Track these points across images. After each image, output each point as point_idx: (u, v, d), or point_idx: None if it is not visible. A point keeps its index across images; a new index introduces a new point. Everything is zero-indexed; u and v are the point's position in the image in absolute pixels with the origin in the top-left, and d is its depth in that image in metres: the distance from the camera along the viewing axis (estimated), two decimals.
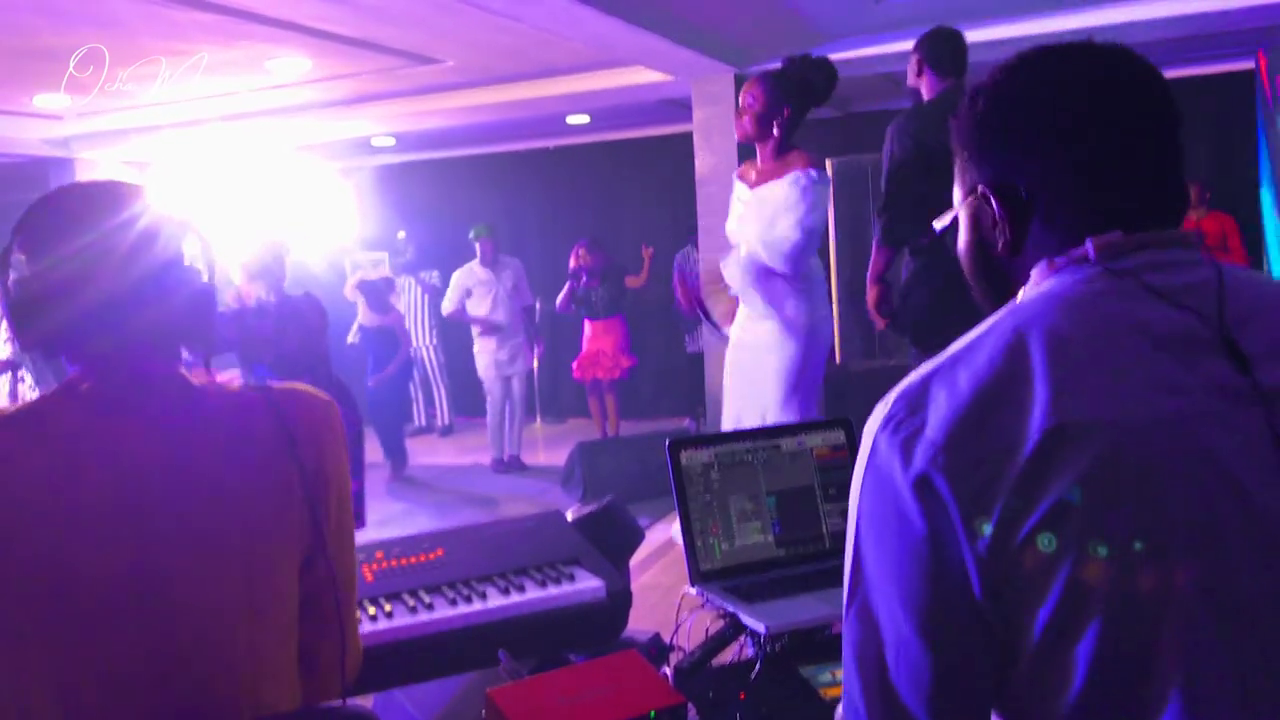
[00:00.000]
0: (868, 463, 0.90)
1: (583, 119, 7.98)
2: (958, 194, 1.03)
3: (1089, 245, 0.92)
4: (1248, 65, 6.16)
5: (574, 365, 7.39)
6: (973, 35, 5.54)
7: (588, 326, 7.38)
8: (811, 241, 3.29)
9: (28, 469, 1.17)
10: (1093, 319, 0.87)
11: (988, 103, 0.97)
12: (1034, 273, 0.96)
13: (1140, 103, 0.93)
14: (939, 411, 0.86)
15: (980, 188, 0.98)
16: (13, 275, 1.23)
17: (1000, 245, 0.97)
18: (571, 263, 7.24)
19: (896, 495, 0.86)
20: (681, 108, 7.04)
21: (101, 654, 1.15)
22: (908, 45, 5.85)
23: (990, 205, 0.97)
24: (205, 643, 1.19)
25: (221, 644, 1.19)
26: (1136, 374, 0.84)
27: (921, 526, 0.84)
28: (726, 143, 6.12)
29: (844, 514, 1.90)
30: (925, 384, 0.89)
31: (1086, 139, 0.92)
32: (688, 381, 7.57)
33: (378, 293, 7.14)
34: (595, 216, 8.70)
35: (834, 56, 5.97)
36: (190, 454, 1.22)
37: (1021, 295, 0.97)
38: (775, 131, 3.29)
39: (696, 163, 6.22)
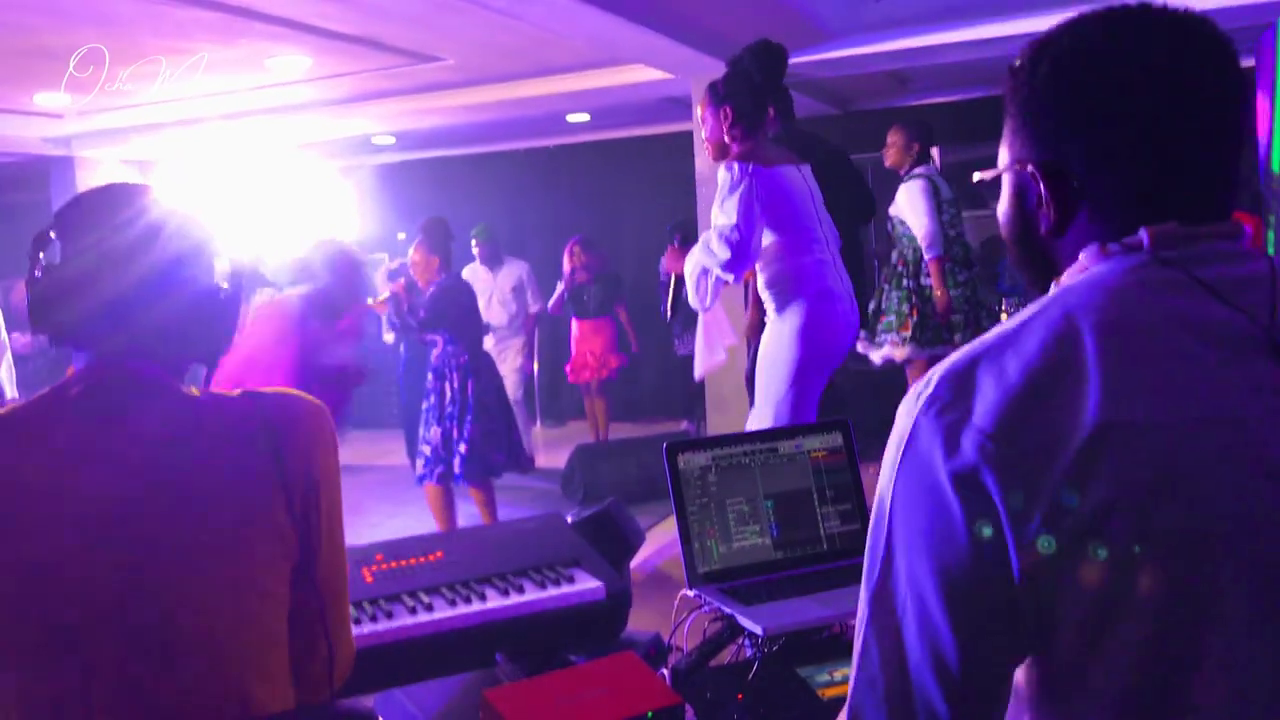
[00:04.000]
0: (906, 444, 0.87)
1: (583, 117, 7.98)
2: (1004, 156, 0.98)
3: (1143, 234, 0.88)
4: (1247, 64, 6.15)
5: (567, 368, 7.31)
6: (972, 34, 5.56)
7: (576, 326, 7.28)
8: (749, 227, 3.08)
9: (17, 471, 1.18)
10: (1143, 311, 0.85)
11: (1050, 68, 0.91)
12: (1083, 255, 0.92)
13: (1211, 87, 0.88)
14: (987, 398, 0.83)
15: (1030, 166, 0.93)
16: (42, 260, 1.28)
17: (1044, 227, 0.94)
18: (566, 263, 7.14)
19: (936, 482, 0.84)
20: (681, 106, 7.04)
21: (90, 657, 1.15)
22: (908, 44, 5.84)
23: (1038, 185, 0.93)
24: (196, 645, 1.19)
25: (213, 646, 1.20)
26: (1186, 371, 0.82)
27: (963, 515, 0.82)
28: None
29: (841, 516, 1.91)
30: (971, 367, 0.86)
31: (1149, 123, 0.88)
32: (685, 384, 7.55)
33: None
34: (595, 215, 8.69)
35: (834, 55, 6.02)
36: (178, 459, 1.23)
37: (1067, 277, 0.93)
38: (729, 137, 3.20)
39: (696, 161, 6.22)
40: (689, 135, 6.34)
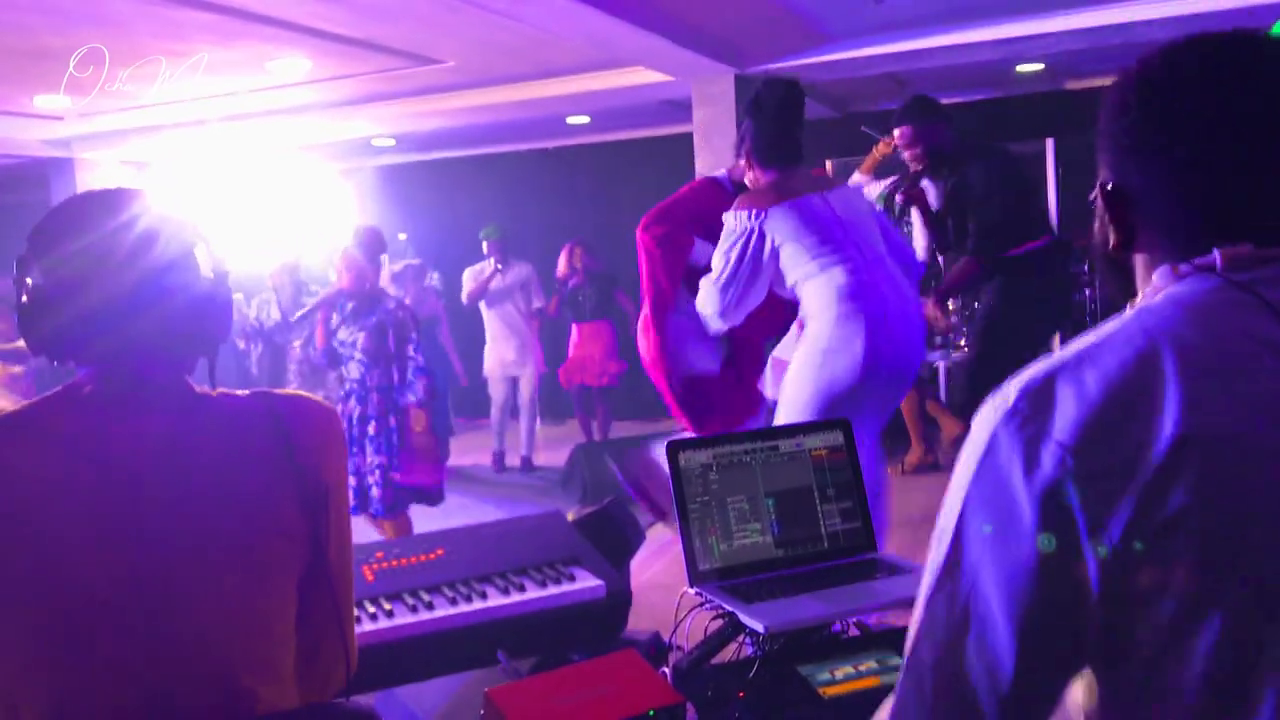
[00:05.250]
0: (984, 455, 0.88)
1: (583, 119, 7.99)
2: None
3: (1216, 255, 0.90)
4: None
5: (560, 371, 7.20)
6: (972, 37, 5.57)
7: (574, 330, 7.20)
8: (727, 285, 3.02)
9: (28, 470, 1.18)
10: (1222, 330, 0.87)
11: (1121, 97, 0.95)
12: (1156, 276, 0.94)
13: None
14: (1067, 413, 0.84)
15: (1100, 182, 0.97)
16: (24, 280, 1.25)
17: (1110, 244, 0.97)
18: (562, 264, 7.08)
19: (1014, 495, 0.85)
20: (681, 108, 7.05)
21: (98, 654, 1.15)
22: (908, 45, 5.84)
23: (1102, 203, 0.97)
24: (203, 644, 1.19)
25: (219, 646, 1.20)
26: (1265, 387, 0.84)
27: (1041, 529, 0.83)
28: (726, 144, 6.11)
29: (842, 515, 1.91)
30: (1050, 380, 0.87)
31: (1218, 146, 0.90)
32: None
33: (416, 283, 7.09)
34: (595, 217, 8.70)
35: (834, 57, 6.03)
36: (190, 459, 1.23)
37: (1143, 298, 0.96)
38: (746, 163, 3.17)
39: (696, 163, 6.23)
40: (688, 138, 6.34)
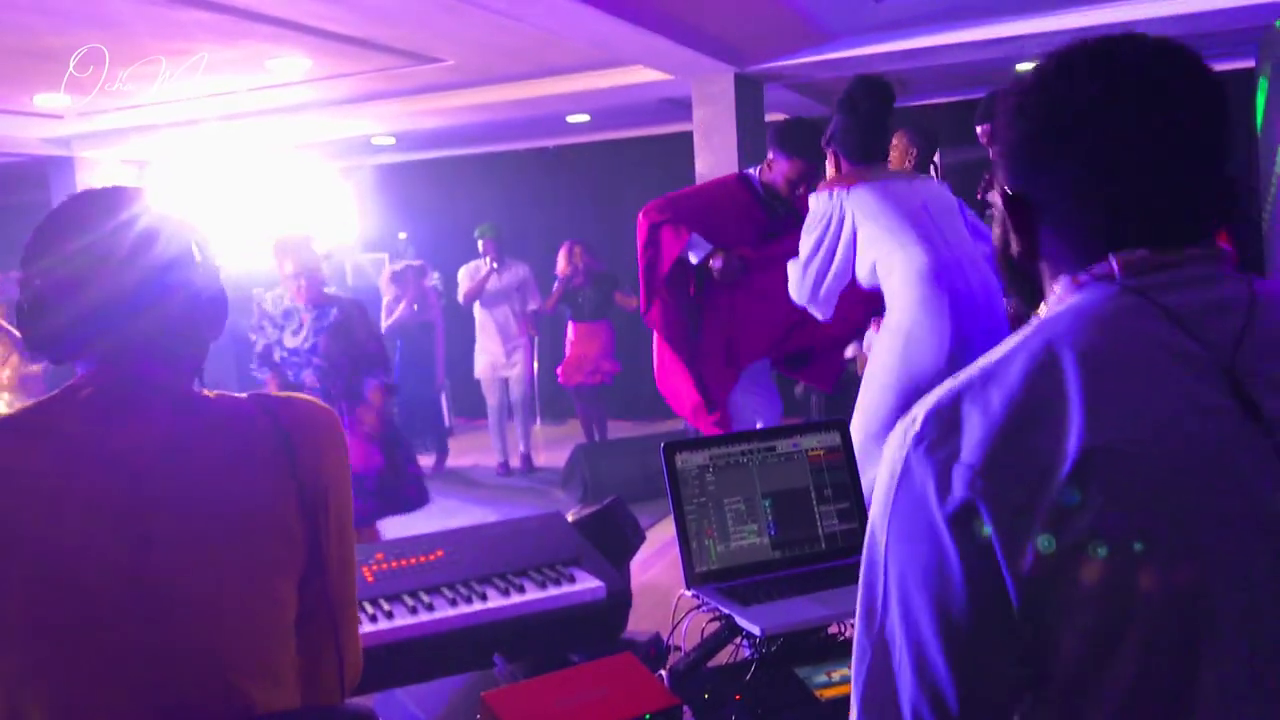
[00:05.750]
0: (898, 482, 0.88)
1: (583, 118, 7.99)
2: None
3: (1113, 262, 0.90)
4: (1248, 65, 6.16)
5: (558, 370, 7.18)
6: (972, 35, 5.57)
7: (572, 329, 7.18)
8: (809, 265, 3.02)
9: (27, 471, 1.18)
10: (1122, 337, 0.87)
11: (1014, 103, 0.95)
12: (1057, 286, 0.95)
13: (1180, 109, 0.89)
14: (973, 433, 0.84)
15: (1001, 190, 0.97)
16: (23, 281, 1.26)
17: (1015, 250, 0.97)
18: (561, 263, 7.06)
19: (930, 521, 0.85)
20: (681, 107, 7.04)
21: (98, 655, 1.16)
22: (908, 44, 5.84)
23: (1003, 209, 0.97)
24: (202, 646, 1.19)
25: (219, 647, 1.20)
26: (1164, 394, 0.84)
27: (961, 551, 0.83)
28: (726, 142, 6.13)
29: (840, 515, 1.91)
30: (955, 402, 0.87)
31: (1112, 152, 0.89)
32: None
33: (416, 284, 7.06)
34: (595, 216, 8.70)
35: (834, 56, 6.03)
36: (189, 460, 1.23)
37: (1046, 308, 0.96)
38: (831, 159, 3.12)
39: (697, 162, 6.23)
40: (689, 136, 6.34)
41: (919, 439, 0.87)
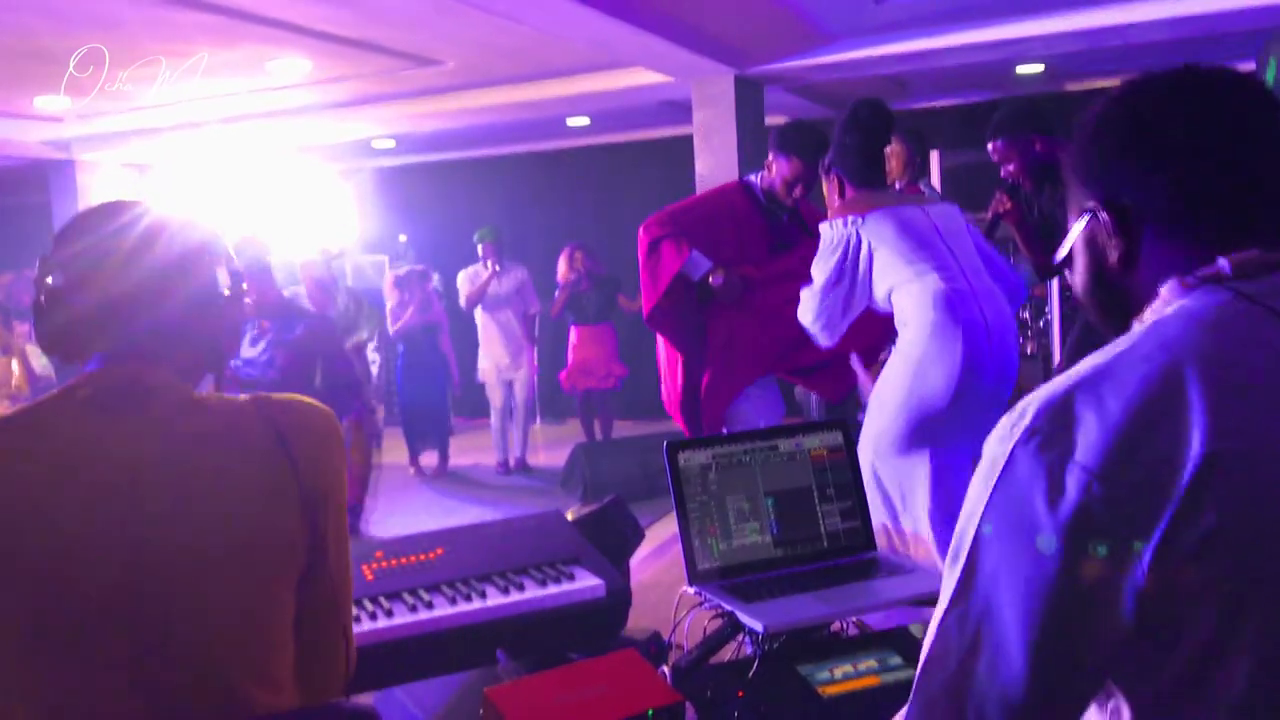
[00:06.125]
0: (1001, 475, 0.86)
1: (583, 121, 7.99)
2: (1072, 221, 1.00)
3: (1222, 263, 0.89)
4: (1248, 65, 6.17)
5: (562, 375, 7.18)
6: (971, 38, 5.57)
7: (574, 333, 7.17)
8: (829, 293, 2.97)
9: (25, 471, 1.18)
10: (1237, 345, 0.86)
11: (1108, 114, 0.96)
12: (1163, 290, 0.93)
13: (1274, 117, 0.92)
14: (1089, 434, 0.83)
15: (1091, 204, 0.96)
16: (39, 280, 1.29)
17: (1114, 258, 0.95)
18: (562, 267, 7.05)
19: (1035, 520, 0.83)
20: (681, 109, 7.05)
21: (96, 658, 1.15)
22: (908, 46, 5.83)
23: (1099, 219, 0.95)
24: (200, 647, 1.19)
25: (216, 649, 1.20)
26: None
27: (1066, 555, 0.82)
28: (726, 145, 6.13)
29: (842, 514, 1.91)
30: (1068, 400, 0.85)
31: (1213, 154, 0.91)
32: None
33: (420, 288, 7.06)
34: (595, 219, 8.70)
35: (834, 58, 6.03)
36: (187, 461, 1.23)
37: (1151, 314, 0.94)
38: (833, 182, 3.11)
39: (696, 165, 6.22)
40: (688, 139, 6.34)
41: (1029, 433, 0.85)
